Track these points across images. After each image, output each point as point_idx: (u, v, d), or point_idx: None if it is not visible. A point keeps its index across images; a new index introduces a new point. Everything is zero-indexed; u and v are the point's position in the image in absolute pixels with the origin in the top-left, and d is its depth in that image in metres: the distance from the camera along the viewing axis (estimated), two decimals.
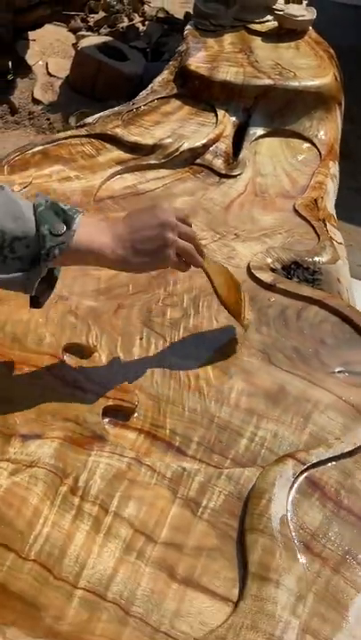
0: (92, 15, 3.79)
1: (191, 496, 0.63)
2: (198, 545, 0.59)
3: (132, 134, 1.26)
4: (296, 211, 1.15)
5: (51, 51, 3.81)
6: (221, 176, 1.24)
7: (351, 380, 0.81)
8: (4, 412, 0.69)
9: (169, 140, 1.25)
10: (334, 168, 1.32)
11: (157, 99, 1.40)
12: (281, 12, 1.59)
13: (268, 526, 0.58)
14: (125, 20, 3.51)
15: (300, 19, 1.58)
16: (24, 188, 1.07)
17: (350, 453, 0.67)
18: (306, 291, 0.95)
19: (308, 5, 1.66)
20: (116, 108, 1.36)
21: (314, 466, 0.65)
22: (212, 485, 0.64)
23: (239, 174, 1.24)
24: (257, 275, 0.97)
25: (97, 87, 2.93)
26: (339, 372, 0.83)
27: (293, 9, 1.61)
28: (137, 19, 3.54)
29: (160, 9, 3.61)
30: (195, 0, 1.73)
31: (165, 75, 1.48)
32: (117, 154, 1.22)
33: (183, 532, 0.60)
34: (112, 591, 0.55)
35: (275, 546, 0.57)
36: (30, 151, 1.18)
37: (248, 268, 0.99)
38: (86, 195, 1.10)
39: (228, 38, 1.57)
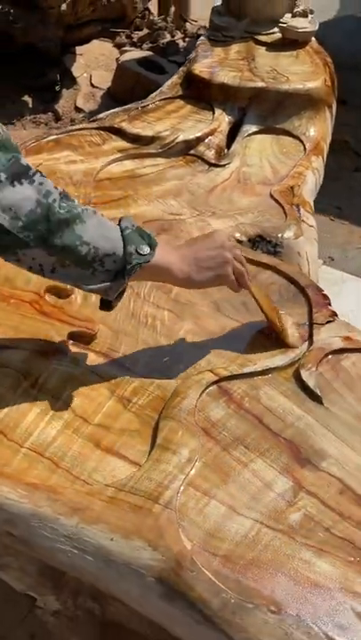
0: (136, 32, 4.04)
1: (125, 395, 0.79)
2: (123, 427, 0.75)
3: (136, 127, 1.44)
4: (271, 195, 1.30)
5: (95, 64, 4.08)
6: (211, 165, 1.40)
7: None
8: None
9: (167, 133, 1.43)
10: (317, 162, 1.46)
11: (163, 99, 1.58)
12: (285, 25, 1.75)
13: (178, 415, 0.73)
14: (168, 36, 3.73)
15: (301, 30, 1.73)
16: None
17: (262, 373, 0.81)
18: (263, 258, 1.10)
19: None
20: (126, 106, 1.55)
21: (228, 379, 0.80)
22: (144, 389, 0.80)
23: (227, 164, 1.40)
24: None
25: (135, 98, 3.12)
26: None
27: (297, 21, 1.76)
28: (178, 35, 3.75)
29: (202, 27, 3.81)
30: (210, 14, 1.92)
31: (175, 79, 1.67)
32: (120, 144, 1.41)
33: (113, 418, 0.76)
34: (49, 451, 0.72)
35: (179, 427, 0.72)
36: (45, 139, 1.38)
37: None
38: (87, 175, 1.28)
39: (235, 48, 1.75)
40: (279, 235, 1.17)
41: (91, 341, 0.89)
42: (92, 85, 3.61)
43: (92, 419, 0.76)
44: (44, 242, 0.67)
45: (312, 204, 1.38)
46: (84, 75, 3.95)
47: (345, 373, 0.82)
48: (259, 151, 1.47)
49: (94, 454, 0.71)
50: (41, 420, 0.75)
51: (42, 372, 0.82)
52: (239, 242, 1.15)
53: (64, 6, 3.81)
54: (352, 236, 2.65)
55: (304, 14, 1.84)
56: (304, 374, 0.79)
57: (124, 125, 1.44)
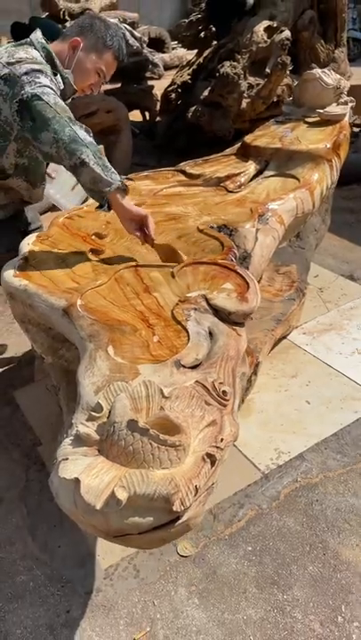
0: None
1: (103, 270, 1.70)
2: (89, 276, 1.66)
3: (193, 170, 2.39)
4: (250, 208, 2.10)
5: None
6: (229, 192, 2.26)
7: None
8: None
9: (208, 173, 2.34)
10: (304, 195, 2.20)
11: (222, 155, 2.51)
12: (321, 111, 2.54)
13: (109, 269, 1.62)
14: None
15: (331, 114, 2.50)
16: None
17: (159, 266, 1.65)
18: (215, 233, 1.91)
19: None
20: (198, 159, 2.51)
21: (142, 266, 1.65)
22: (111, 267, 1.70)
23: (238, 191, 2.25)
24: (199, 227, 1.97)
25: None
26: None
27: (332, 108, 2.54)
28: None
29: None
30: (282, 106, 2.80)
31: (238, 145, 2.58)
32: (180, 178, 2.37)
33: (91, 273, 1.68)
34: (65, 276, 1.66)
35: (106, 277, 1.60)
36: (141, 174, 2.41)
37: (197, 227, 1.99)
38: (150, 192, 2.25)
39: (286, 124, 2.60)
40: (235, 226, 1.96)
41: (100, 254, 1.82)
42: None
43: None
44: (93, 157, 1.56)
45: (286, 218, 2.12)
46: None
47: (198, 270, 1.61)
48: (266, 186, 2.28)
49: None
50: (64, 270, 1.70)
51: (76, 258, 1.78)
52: (211, 227, 1.98)
53: (244, 104, 5.01)
54: None
55: (345, 103, 2.61)
56: (175, 269, 1.61)
57: (187, 168, 2.41)
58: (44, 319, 1.56)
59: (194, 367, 1.24)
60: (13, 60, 1.66)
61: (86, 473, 0.95)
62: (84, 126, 1.64)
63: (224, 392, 1.19)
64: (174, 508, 0.93)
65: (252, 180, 2.35)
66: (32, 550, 1.74)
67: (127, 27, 8.59)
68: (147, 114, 6.84)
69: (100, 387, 1.17)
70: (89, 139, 1.60)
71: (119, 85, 7.12)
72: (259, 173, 2.38)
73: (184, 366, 1.22)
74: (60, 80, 1.77)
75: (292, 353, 2.53)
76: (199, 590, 1.60)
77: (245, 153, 2.46)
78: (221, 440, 1.09)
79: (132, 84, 6.79)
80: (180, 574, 1.64)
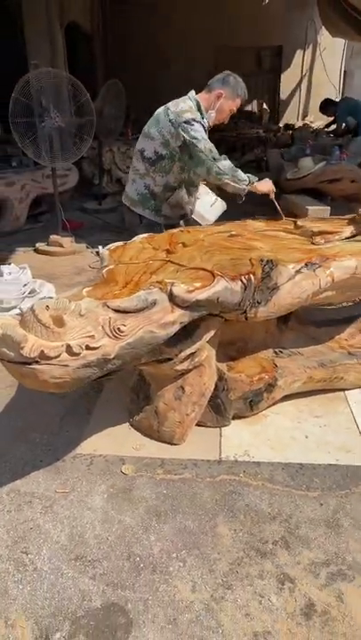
0: None
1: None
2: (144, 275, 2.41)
3: (301, 223, 2.86)
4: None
5: None
6: (312, 243, 2.67)
7: None
8: None
9: (308, 227, 2.79)
10: None
11: (337, 218, 2.89)
12: None
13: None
14: None
15: None
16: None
17: None
18: (255, 263, 2.42)
19: None
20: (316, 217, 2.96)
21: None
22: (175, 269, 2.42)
23: (321, 244, 2.64)
24: (251, 258, 2.50)
25: None
26: None
27: None
28: None
29: None
30: None
31: None
32: (289, 226, 2.88)
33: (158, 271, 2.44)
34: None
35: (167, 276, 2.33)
36: (258, 218, 3.00)
37: (250, 258, 2.52)
38: (256, 229, 2.83)
39: None
40: (278, 263, 2.41)
41: (170, 254, 2.54)
42: None
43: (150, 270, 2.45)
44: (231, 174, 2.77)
45: (337, 273, 2.45)
46: None
47: (198, 272, 2.19)
48: (345, 247, 2.60)
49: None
50: (134, 253, 2.50)
51: (150, 251, 2.55)
52: (261, 260, 2.48)
53: None
54: None
55: None
56: (183, 269, 2.23)
57: (300, 221, 2.89)
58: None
59: (119, 311, 1.89)
60: (178, 110, 2.74)
61: (1, 320, 1.75)
62: (223, 156, 2.69)
63: (119, 329, 1.82)
64: (22, 352, 1.65)
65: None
66: (53, 428, 2.59)
67: None
68: None
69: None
70: (227, 166, 2.73)
71: None
72: (353, 237, 2.70)
73: (108, 307, 1.89)
74: (205, 120, 2.83)
75: (335, 402, 2.73)
76: (113, 492, 2.18)
77: (356, 220, 2.79)
78: (87, 346, 1.74)
79: None
80: (112, 479, 2.25)
